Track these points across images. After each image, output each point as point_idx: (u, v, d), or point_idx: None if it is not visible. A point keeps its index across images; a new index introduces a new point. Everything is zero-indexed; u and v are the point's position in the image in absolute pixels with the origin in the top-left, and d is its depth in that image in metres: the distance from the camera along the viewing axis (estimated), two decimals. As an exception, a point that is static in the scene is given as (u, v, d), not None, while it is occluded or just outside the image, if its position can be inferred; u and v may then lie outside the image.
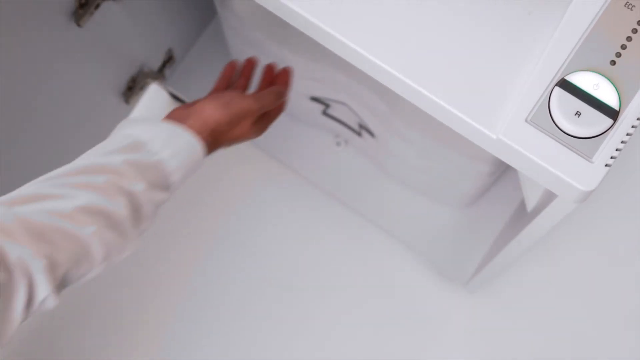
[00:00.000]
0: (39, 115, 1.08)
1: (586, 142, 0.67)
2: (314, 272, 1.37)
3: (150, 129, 0.76)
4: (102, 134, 0.79)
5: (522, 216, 1.07)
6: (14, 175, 0.84)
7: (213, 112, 0.82)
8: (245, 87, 0.98)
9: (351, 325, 1.36)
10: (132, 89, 1.29)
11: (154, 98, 1.36)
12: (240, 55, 1.18)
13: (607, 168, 0.67)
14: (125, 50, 1.20)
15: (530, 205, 1.02)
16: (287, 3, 0.73)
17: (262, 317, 1.35)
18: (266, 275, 1.37)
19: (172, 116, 0.82)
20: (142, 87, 1.32)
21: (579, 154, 0.67)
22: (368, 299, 1.37)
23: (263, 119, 0.91)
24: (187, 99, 1.36)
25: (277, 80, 0.99)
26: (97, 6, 1.03)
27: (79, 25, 1.02)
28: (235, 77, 0.99)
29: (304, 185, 1.38)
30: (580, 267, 1.37)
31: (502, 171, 1.23)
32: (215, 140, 0.82)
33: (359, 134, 1.29)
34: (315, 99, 1.25)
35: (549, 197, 0.83)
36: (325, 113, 1.28)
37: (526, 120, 0.68)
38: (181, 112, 0.82)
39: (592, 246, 1.37)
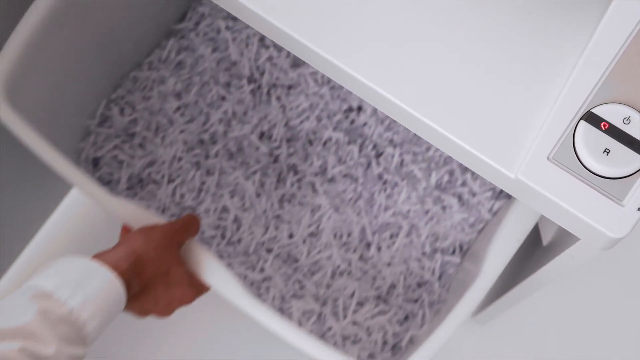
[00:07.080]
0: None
1: (616, 183, 0.60)
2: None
3: (56, 274, 0.69)
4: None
5: (536, 248, 1.00)
6: None
7: (137, 236, 0.79)
8: None
9: None
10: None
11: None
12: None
13: (640, 212, 0.60)
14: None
15: (546, 238, 0.95)
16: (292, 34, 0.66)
17: None
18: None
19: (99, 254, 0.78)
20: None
21: (607, 197, 0.60)
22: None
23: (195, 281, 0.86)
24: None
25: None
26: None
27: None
28: None
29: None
30: (594, 298, 1.31)
31: None
32: (140, 270, 0.77)
33: None
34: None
35: (567, 231, 0.76)
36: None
37: (548, 158, 0.60)
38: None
39: (606, 274, 1.31)
